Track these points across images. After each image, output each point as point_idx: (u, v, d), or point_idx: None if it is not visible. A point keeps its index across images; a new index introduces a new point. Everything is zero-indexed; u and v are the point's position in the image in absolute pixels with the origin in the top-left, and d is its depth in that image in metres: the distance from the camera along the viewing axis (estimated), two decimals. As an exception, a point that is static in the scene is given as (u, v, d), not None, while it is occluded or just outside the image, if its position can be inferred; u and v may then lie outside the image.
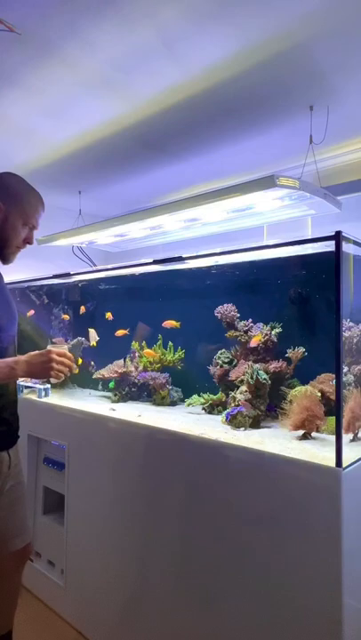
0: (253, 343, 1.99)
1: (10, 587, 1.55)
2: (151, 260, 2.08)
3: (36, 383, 2.59)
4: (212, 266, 2.28)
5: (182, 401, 2.35)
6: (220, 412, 2.06)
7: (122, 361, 2.56)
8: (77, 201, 4.33)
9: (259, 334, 2.00)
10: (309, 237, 1.63)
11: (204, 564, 1.61)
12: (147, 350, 2.49)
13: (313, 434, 1.69)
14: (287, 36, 2.11)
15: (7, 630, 1.62)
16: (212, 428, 1.81)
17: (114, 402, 2.44)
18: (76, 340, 2.75)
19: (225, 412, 1.94)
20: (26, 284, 3.08)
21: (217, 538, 1.58)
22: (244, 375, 1.95)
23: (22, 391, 2.60)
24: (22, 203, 1.42)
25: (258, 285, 2.24)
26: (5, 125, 3.04)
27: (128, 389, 2.48)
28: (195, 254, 1.94)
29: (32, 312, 3.02)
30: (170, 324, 2.35)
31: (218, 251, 1.88)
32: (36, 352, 1.35)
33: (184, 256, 1.95)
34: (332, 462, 1.36)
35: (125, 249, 4.02)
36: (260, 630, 1.46)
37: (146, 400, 2.47)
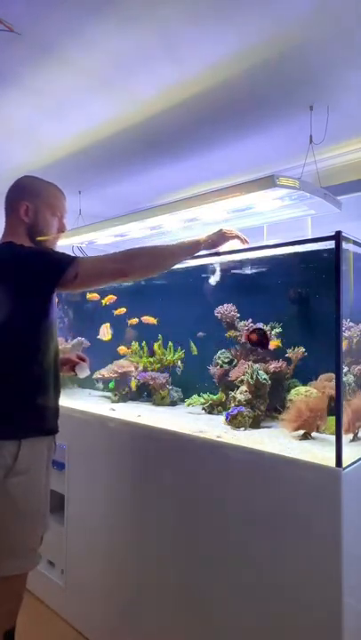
0: (271, 347, 1.97)
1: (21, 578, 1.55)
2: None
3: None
4: (212, 266, 2.28)
5: (182, 401, 2.35)
6: (220, 412, 2.06)
7: (122, 361, 2.56)
8: (77, 201, 4.33)
9: (277, 341, 1.98)
10: (309, 237, 1.63)
11: (203, 563, 1.61)
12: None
13: (313, 434, 1.69)
14: (287, 36, 2.11)
15: (11, 626, 1.61)
16: (212, 428, 1.80)
17: (114, 402, 2.44)
18: (75, 341, 2.75)
19: (225, 411, 1.94)
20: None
21: (217, 537, 1.57)
22: (244, 375, 1.95)
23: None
24: (46, 196, 1.52)
25: (258, 285, 2.24)
26: (5, 125, 3.04)
27: (128, 389, 2.48)
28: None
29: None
30: (147, 319, 2.40)
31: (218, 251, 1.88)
32: (211, 235, 1.60)
33: (184, 256, 1.95)
34: (332, 462, 1.36)
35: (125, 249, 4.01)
36: (259, 630, 1.45)
37: (146, 400, 2.47)
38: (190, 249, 1.53)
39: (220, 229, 1.61)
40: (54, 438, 1.51)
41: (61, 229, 1.56)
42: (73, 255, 1.39)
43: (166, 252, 1.50)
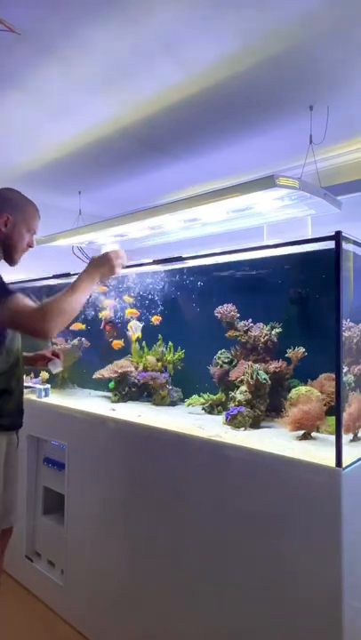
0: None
1: None
2: (151, 260, 2.08)
3: (36, 383, 2.59)
4: (212, 265, 2.28)
5: (182, 401, 2.35)
6: (219, 412, 2.06)
7: (122, 361, 2.56)
8: (77, 201, 4.34)
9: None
10: (309, 237, 1.63)
11: (204, 563, 1.61)
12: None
13: (313, 434, 1.69)
14: (287, 35, 2.12)
15: None
16: (212, 428, 1.81)
17: (114, 402, 2.44)
18: (76, 340, 2.75)
19: (225, 411, 1.94)
20: (26, 284, 3.07)
21: (216, 538, 1.58)
22: (244, 375, 1.95)
23: (22, 391, 2.60)
24: (25, 212, 1.63)
25: (258, 285, 2.24)
26: (5, 125, 3.04)
27: (128, 389, 2.48)
28: (195, 254, 1.94)
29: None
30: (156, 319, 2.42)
31: (218, 251, 1.88)
32: (98, 258, 1.59)
33: (184, 256, 1.95)
34: (332, 462, 1.36)
35: (125, 249, 4.02)
36: (259, 630, 1.46)
37: (146, 400, 2.47)
38: (90, 287, 1.54)
39: (108, 254, 1.59)
40: (16, 434, 1.65)
41: (30, 245, 1.67)
42: (7, 293, 1.41)
43: (76, 301, 1.47)
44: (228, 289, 2.30)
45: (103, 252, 1.65)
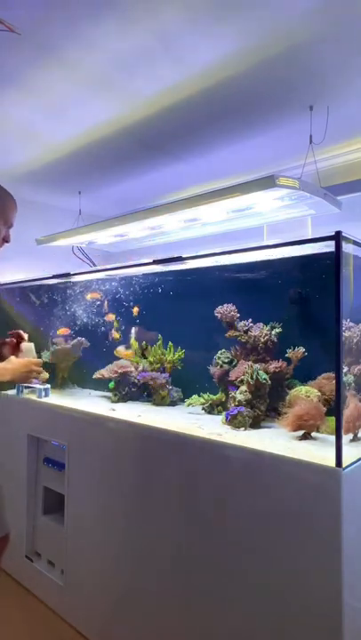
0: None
1: None
2: (151, 260, 2.08)
3: (36, 383, 2.59)
4: (212, 266, 2.28)
5: (182, 401, 2.35)
6: (219, 412, 2.06)
7: (122, 361, 2.56)
8: (77, 201, 4.34)
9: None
10: (309, 237, 1.63)
11: (203, 563, 1.61)
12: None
13: (313, 434, 1.69)
14: (287, 35, 2.12)
15: None
16: (212, 428, 1.81)
17: (114, 402, 2.44)
18: (75, 341, 2.75)
19: (225, 411, 1.94)
20: (26, 284, 3.07)
21: (216, 538, 1.58)
22: (244, 375, 1.95)
23: (22, 391, 2.60)
24: (3, 205, 1.52)
25: (258, 285, 2.24)
26: (5, 125, 3.04)
27: (128, 389, 2.48)
28: (195, 254, 1.94)
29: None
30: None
31: (218, 251, 1.88)
32: (21, 362, 1.54)
33: (184, 256, 1.95)
34: (332, 462, 1.36)
35: (125, 249, 4.03)
36: (259, 630, 1.46)
37: (146, 400, 2.47)
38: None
39: (30, 365, 1.55)
40: None
41: (6, 240, 1.57)
42: None
43: None
44: (228, 289, 2.30)
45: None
